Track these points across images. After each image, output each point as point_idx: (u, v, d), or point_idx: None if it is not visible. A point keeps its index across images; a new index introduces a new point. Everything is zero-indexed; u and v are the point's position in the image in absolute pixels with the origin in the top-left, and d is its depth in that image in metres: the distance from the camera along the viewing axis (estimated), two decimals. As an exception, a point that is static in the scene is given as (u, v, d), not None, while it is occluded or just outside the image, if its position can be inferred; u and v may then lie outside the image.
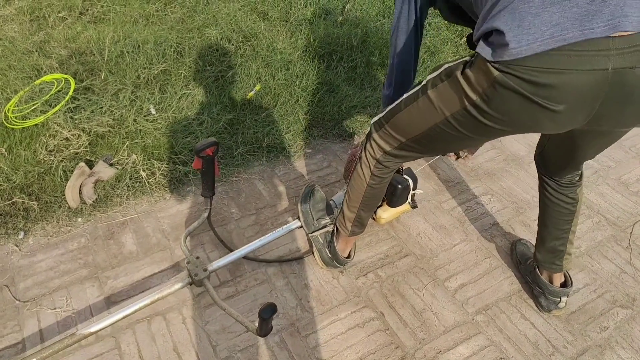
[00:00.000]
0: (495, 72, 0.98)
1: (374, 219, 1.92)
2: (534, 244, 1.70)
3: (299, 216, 1.82)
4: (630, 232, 2.04)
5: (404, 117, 1.27)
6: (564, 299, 1.65)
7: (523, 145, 2.46)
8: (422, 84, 1.20)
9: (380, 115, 1.38)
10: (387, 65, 1.63)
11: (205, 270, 1.49)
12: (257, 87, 2.47)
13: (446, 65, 1.13)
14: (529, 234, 1.97)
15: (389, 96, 1.61)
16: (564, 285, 1.67)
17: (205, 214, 1.68)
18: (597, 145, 1.33)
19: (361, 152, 1.48)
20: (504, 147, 2.45)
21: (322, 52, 2.78)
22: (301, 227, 1.80)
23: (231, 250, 1.71)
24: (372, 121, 1.41)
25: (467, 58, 1.07)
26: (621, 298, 1.78)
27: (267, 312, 1.17)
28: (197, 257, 1.52)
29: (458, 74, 1.07)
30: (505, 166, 2.33)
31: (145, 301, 1.43)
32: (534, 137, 2.31)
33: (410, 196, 1.83)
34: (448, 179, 2.23)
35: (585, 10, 0.90)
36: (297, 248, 1.85)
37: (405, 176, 1.77)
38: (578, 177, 1.51)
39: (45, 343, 1.48)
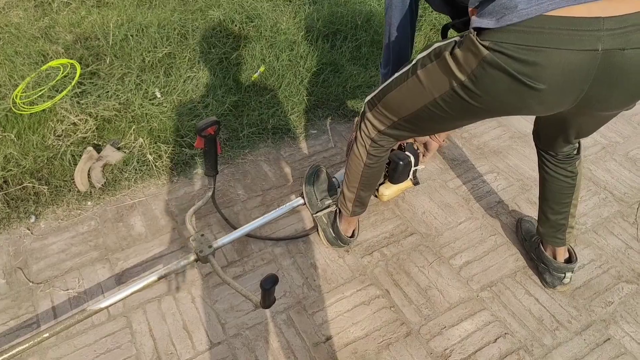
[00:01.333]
0: (485, 52, 0.97)
1: (376, 196, 1.93)
2: None
3: (303, 196, 1.83)
4: (637, 208, 2.04)
5: (395, 97, 1.27)
6: (568, 274, 1.66)
7: (529, 122, 2.44)
8: (412, 63, 1.19)
9: (373, 94, 1.38)
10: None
11: (210, 246, 1.52)
12: (262, 69, 2.47)
13: (436, 45, 1.12)
14: (534, 212, 1.97)
15: (386, 74, 1.61)
16: (569, 261, 1.68)
17: (210, 193, 1.70)
18: (587, 125, 1.32)
19: (356, 132, 1.49)
20: (510, 124, 2.43)
21: (327, 31, 2.76)
22: (304, 204, 1.82)
23: (235, 228, 1.73)
24: (365, 100, 1.42)
25: (457, 38, 1.06)
26: (626, 273, 1.78)
27: (268, 283, 1.19)
28: (202, 235, 1.54)
29: (447, 54, 1.06)
30: (512, 144, 2.32)
31: (152, 277, 1.46)
32: (541, 114, 2.29)
33: (412, 172, 1.83)
34: (453, 157, 2.23)
35: None
36: (304, 228, 1.87)
37: (407, 152, 1.78)
38: (576, 151, 1.50)
39: (57, 319, 1.53)
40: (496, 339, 1.57)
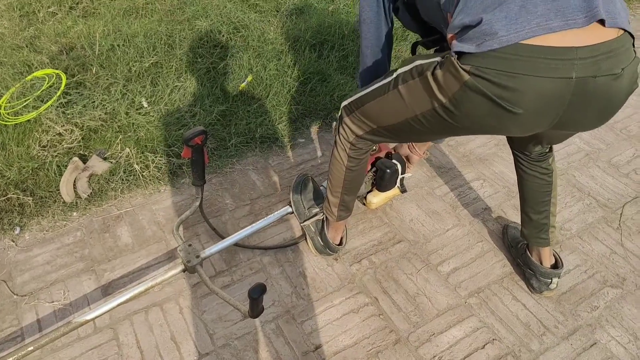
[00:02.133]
0: (466, 76, 1.00)
1: (364, 204, 1.94)
2: None
3: (291, 205, 1.83)
4: (621, 214, 2.07)
5: (374, 107, 1.30)
6: (555, 280, 1.67)
7: (514, 130, 2.47)
8: (393, 76, 1.22)
9: (351, 100, 1.40)
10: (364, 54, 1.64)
11: (198, 256, 1.51)
12: (249, 78, 2.47)
13: (418, 62, 1.14)
14: (520, 218, 1.98)
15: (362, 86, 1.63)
16: (555, 266, 1.69)
17: (197, 203, 1.70)
18: (558, 138, 1.39)
19: (336, 136, 1.51)
20: (496, 132, 2.46)
21: (314, 41, 2.78)
22: (292, 213, 1.82)
23: (223, 238, 1.73)
24: (343, 105, 1.44)
25: (439, 58, 1.09)
26: (611, 278, 1.80)
27: (256, 292, 1.19)
28: (190, 245, 1.54)
29: (429, 74, 1.09)
30: (497, 151, 2.35)
31: (139, 288, 1.45)
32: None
33: (399, 180, 1.85)
34: (440, 165, 2.25)
35: (568, 4, 0.97)
36: (292, 237, 1.87)
37: (394, 160, 1.79)
38: (548, 149, 1.55)
39: (42, 332, 1.51)
40: (484, 345, 1.57)
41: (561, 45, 0.96)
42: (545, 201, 1.61)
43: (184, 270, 1.54)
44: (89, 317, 1.39)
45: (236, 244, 1.76)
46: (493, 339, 1.59)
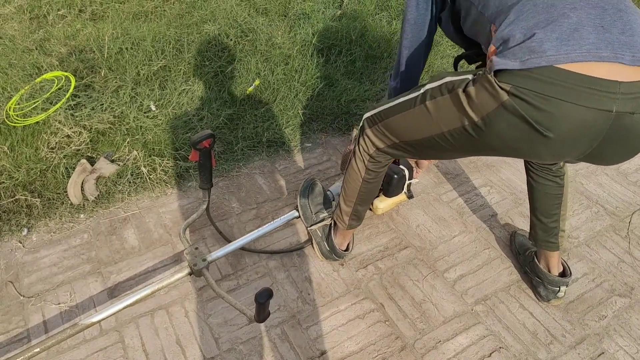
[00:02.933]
0: (505, 97, 0.98)
1: (370, 209, 1.94)
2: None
3: (297, 209, 1.83)
4: (629, 222, 2.05)
5: (399, 121, 1.28)
6: (563, 288, 1.66)
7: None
8: (421, 92, 1.19)
9: (374, 111, 1.37)
10: (392, 56, 1.62)
11: (204, 260, 1.51)
12: (257, 82, 2.48)
13: (448, 79, 1.12)
14: (527, 225, 1.97)
15: (396, 88, 1.61)
16: (563, 275, 1.68)
17: (204, 206, 1.70)
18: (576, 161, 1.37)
19: (355, 147, 1.49)
20: (503, 138, 2.45)
21: (321, 46, 2.79)
22: (299, 218, 1.82)
23: (230, 242, 1.73)
24: (365, 116, 1.41)
25: (470, 76, 1.07)
26: (619, 287, 1.79)
27: (263, 296, 1.19)
28: (196, 248, 1.54)
29: (460, 91, 1.06)
30: (504, 157, 2.34)
31: (145, 291, 1.45)
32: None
33: (406, 186, 1.84)
34: (447, 171, 2.24)
35: (617, 39, 0.96)
36: (298, 241, 1.87)
37: (401, 166, 1.79)
38: None
39: (48, 334, 1.51)
40: (491, 353, 1.56)
41: (607, 77, 0.94)
42: (556, 204, 1.60)
43: (190, 274, 1.54)
44: (95, 320, 1.39)
45: (242, 248, 1.76)
46: (500, 347, 1.58)
